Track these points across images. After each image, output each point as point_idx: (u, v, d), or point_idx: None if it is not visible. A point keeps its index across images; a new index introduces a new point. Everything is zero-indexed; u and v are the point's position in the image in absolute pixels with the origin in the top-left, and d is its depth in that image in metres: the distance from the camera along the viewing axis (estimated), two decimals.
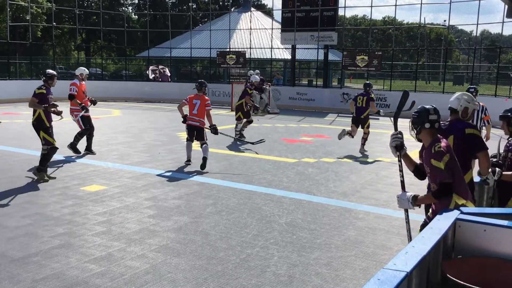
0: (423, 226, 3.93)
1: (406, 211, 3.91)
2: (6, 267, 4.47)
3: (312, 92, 23.24)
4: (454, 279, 2.25)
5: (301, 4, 22.83)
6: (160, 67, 31.70)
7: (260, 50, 29.75)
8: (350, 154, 10.87)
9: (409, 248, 2.19)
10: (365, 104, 11.00)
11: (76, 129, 9.92)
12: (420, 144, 3.90)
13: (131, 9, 56.80)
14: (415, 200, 3.68)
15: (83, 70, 10.21)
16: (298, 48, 25.26)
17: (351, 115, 11.38)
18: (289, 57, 28.19)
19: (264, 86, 19.29)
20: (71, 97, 9.61)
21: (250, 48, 25.47)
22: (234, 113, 19.66)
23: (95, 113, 10.84)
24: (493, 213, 2.95)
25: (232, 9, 39.43)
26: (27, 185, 7.48)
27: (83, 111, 9.61)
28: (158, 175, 8.34)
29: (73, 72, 15.21)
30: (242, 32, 31.78)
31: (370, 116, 11.17)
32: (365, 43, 56.15)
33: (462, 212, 2.74)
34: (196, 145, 9.41)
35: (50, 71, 8.28)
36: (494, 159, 4.54)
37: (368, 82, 11.66)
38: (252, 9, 35.16)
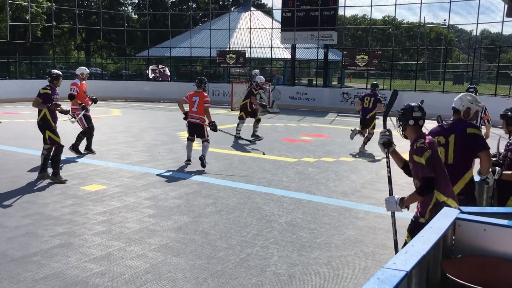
0: (410, 226, 3.92)
1: (393, 214, 3.92)
2: (6, 266, 4.47)
3: (312, 92, 23.23)
4: (454, 278, 2.25)
5: (301, 4, 22.82)
6: (160, 66, 31.69)
7: (260, 49, 29.76)
8: (350, 153, 10.87)
9: (409, 248, 2.19)
10: (372, 105, 11.00)
11: (78, 128, 9.91)
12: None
13: (131, 8, 56.81)
14: (402, 202, 3.72)
15: (83, 70, 10.21)
16: (298, 48, 25.24)
17: (357, 115, 11.42)
18: (289, 56, 28.18)
19: (264, 86, 19.25)
20: (71, 97, 9.61)
21: (250, 47, 25.47)
22: (234, 112, 19.75)
23: (95, 112, 10.86)
24: (493, 212, 2.95)
25: (232, 9, 39.40)
26: (27, 184, 7.48)
27: (83, 111, 9.61)
28: (158, 174, 8.34)
29: (73, 71, 15.22)
30: (242, 31, 31.77)
31: (376, 116, 11.22)
32: (365, 42, 56.13)
33: (462, 212, 2.74)
34: (196, 144, 9.42)
35: (56, 71, 8.24)
36: (494, 158, 4.54)
37: (375, 82, 11.75)
38: (252, 8, 35.15)
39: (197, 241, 5.25)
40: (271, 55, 25.93)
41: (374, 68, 22.03)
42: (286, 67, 36.80)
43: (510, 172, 4.26)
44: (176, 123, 15.61)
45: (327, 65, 25.34)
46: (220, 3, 53.76)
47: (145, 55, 33.26)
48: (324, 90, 23.25)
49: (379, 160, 10.16)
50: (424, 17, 78.33)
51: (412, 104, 3.79)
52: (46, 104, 7.73)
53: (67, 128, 10.06)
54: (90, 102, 9.92)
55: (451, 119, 4.48)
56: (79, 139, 9.68)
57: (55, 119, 7.89)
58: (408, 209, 3.84)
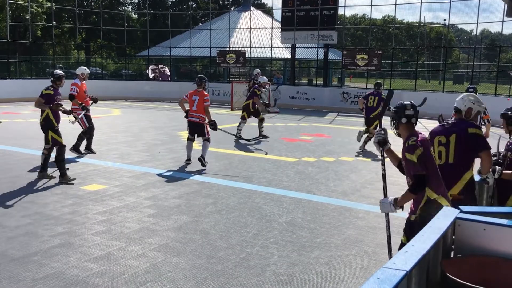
0: (405, 226, 3.92)
1: (387, 216, 3.93)
2: (6, 266, 4.47)
3: (312, 91, 23.23)
4: (453, 278, 2.25)
5: (301, 3, 22.82)
6: (160, 66, 31.68)
7: (260, 49, 29.77)
8: (356, 152, 10.87)
9: (408, 247, 2.19)
10: (376, 104, 10.98)
11: (78, 128, 9.90)
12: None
13: (131, 8, 56.79)
14: (396, 202, 3.75)
15: (84, 70, 10.20)
16: (298, 47, 25.24)
17: (357, 115, 11.48)
18: (289, 56, 28.18)
19: (266, 86, 19.25)
20: (71, 98, 9.60)
21: (250, 47, 25.46)
22: (234, 112, 19.74)
23: (95, 112, 10.87)
24: (493, 212, 2.95)
25: (232, 8, 39.40)
26: (27, 184, 7.48)
27: (84, 111, 9.59)
28: (158, 174, 8.34)
29: (73, 71, 15.22)
30: (242, 31, 31.76)
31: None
32: (365, 42, 56.11)
33: (461, 211, 2.73)
34: (196, 144, 9.42)
35: (58, 71, 8.23)
36: (494, 158, 4.54)
37: (379, 81, 11.84)
38: (252, 8, 35.17)
39: (197, 240, 5.25)
40: (271, 55, 25.93)
41: (374, 67, 22.02)
42: (286, 67, 36.80)
43: (510, 171, 4.25)
44: (176, 122, 15.61)
45: (327, 65, 25.34)
46: (220, 2, 53.77)
47: (145, 55, 33.27)
48: (324, 90, 23.25)
49: (379, 160, 10.15)
50: (424, 17, 78.40)
51: (405, 102, 3.83)
52: (49, 105, 7.71)
53: (68, 128, 10.05)
54: (90, 102, 9.91)
55: (451, 118, 4.48)
56: (80, 139, 9.68)
57: (58, 119, 7.88)
58: (402, 209, 3.85)
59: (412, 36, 60.93)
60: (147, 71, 30.65)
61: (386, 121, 3.93)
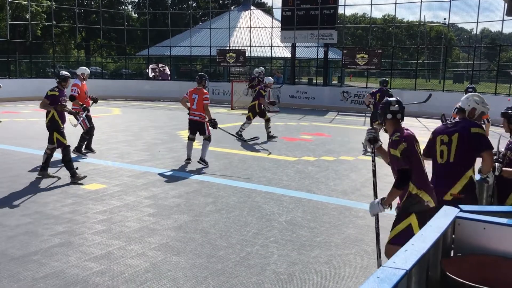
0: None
1: (377, 217, 3.93)
2: (6, 265, 4.47)
3: (312, 91, 23.22)
4: (453, 277, 2.24)
5: (301, 2, 22.80)
6: (160, 65, 31.67)
7: (260, 48, 29.77)
8: (350, 152, 10.87)
9: (408, 246, 2.19)
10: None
11: (79, 128, 9.88)
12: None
13: (131, 7, 56.79)
14: (384, 201, 3.80)
15: (84, 70, 10.17)
16: (298, 47, 25.22)
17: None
18: (289, 55, 28.16)
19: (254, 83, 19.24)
20: (72, 98, 9.57)
21: (250, 46, 25.44)
22: (234, 111, 19.74)
23: (95, 112, 10.86)
24: (493, 211, 2.95)
25: (232, 8, 39.38)
26: (27, 184, 7.48)
27: (85, 112, 9.55)
28: (158, 173, 8.34)
29: (73, 71, 15.19)
30: (242, 30, 31.75)
31: None
32: (365, 41, 56.10)
33: (461, 210, 2.73)
34: (196, 144, 9.41)
35: (64, 72, 8.20)
36: (494, 157, 4.53)
37: (385, 79, 12.05)
38: (252, 7, 35.15)
39: (197, 240, 5.25)
40: (271, 54, 25.92)
41: (374, 67, 22.01)
42: (286, 66, 36.80)
43: (510, 169, 4.26)
44: (176, 122, 15.61)
45: (327, 64, 25.33)
46: (220, 2, 53.73)
47: (145, 54, 33.27)
48: (324, 89, 23.24)
49: (379, 159, 10.14)
50: (424, 16, 78.38)
51: (390, 99, 3.96)
52: (54, 106, 7.69)
53: (69, 129, 10.05)
54: (91, 102, 9.89)
55: (451, 118, 4.48)
56: (82, 140, 9.66)
57: (63, 120, 7.87)
58: (391, 208, 3.87)
59: (412, 35, 60.89)
60: (147, 71, 30.65)
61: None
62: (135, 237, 5.30)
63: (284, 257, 4.83)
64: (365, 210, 6.50)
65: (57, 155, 8.26)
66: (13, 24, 31.54)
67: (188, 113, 9.19)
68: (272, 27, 25.93)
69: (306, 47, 27.72)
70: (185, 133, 9.33)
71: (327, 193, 7.36)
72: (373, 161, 4.05)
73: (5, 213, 6.03)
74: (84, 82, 9.99)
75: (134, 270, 4.43)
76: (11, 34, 26.26)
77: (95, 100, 9.90)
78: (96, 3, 44.19)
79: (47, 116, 7.82)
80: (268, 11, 39.90)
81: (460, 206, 2.82)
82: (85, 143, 9.90)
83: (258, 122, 15.64)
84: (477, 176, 4.33)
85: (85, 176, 7.61)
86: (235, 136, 11.76)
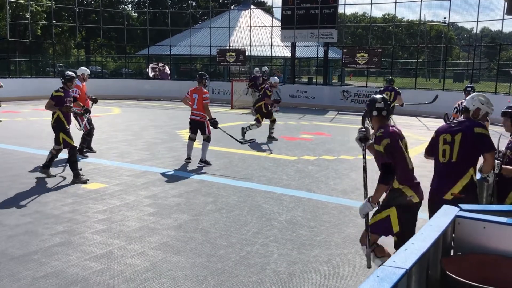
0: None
1: (367, 217, 3.94)
2: (6, 265, 4.47)
3: (312, 90, 23.22)
4: (453, 276, 2.25)
5: (301, 2, 22.79)
6: (160, 65, 31.68)
7: (260, 47, 29.72)
8: (350, 151, 10.87)
9: (408, 245, 2.19)
10: (392, 99, 11.67)
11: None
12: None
13: (131, 7, 56.78)
14: (372, 198, 3.85)
15: (84, 71, 10.13)
16: (298, 46, 25.21)
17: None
18: (289, 54, 28.16)
19: (259, 82, 19.24)
20: (73, 100, 9.52)
21: (250, 45, 25.44)
22: (234, 111, 19.74)
23: (95, 111, 10.86)
24: (493, 210, 2.95)
25: (232, 7, 39.37)
26: (27, 183, 7.48)
27: (87, 114, 9.47)
28: (158, 173, 8.34)
29: (73, 70, 15.20)
30: (242, 29, 31.74)
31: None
32: (365, 40, 56.09)
33: (461, 209, 2.73)
34: (197, 143, 9.41)
35: (69, 73, 8.16)
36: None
37: (391, 77, 12.57)
38: (252, 6, 35.07)
39: (197, 239, 5.26)
40: (271, 53, 25.91)
41: (374, 66, 22.00)
42: (286, 65, 36.79)
43: (510, 167, 4.25)
44: (176, 121, 15.62)
45: (327, 63, 25.32)
46: (220, 1, 53.73)
47: (145, 54, 33.25)
48: (324, 88, 23.24)
49: None
50: (424, 15, 78.39)
51: (376, 96, 4.07)
52: (59, 107, 7.67)
53: (72, 130, 10.05)
54: (90, 103, 9.84)
55: (452, 117, 4.48)
56: (83, 141, 9.64)
57: (68, 120, 7.84)
58: (379, 205, 3.88)
59: (412, 34, 60.87)
60: (147, 70, 30.64)
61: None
62: (135, 236, 5.30)
63: (284, 256, 4.83)
64: None
65: (62, 154, 8.26)
66: (13, 23, 31.54)
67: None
68: (272, 26, 25.91)
69: (306, 46, 27.71)
70: (185, 133, 9.34)
71: (327, 192, 7.36)
72: (364, 157, 4.11)
73: (5, 212, 6.03)
74: (84, 83, 9.96)
75: (134, 270, 4.43)
76: (11, 34, 26.26)
77: (94, 101, 9.87)
78: (96, 3, 44.19)
79: (52, 117, 7.80)
80: (268, 10, 39.91)
81: (460, 205, 2.82)
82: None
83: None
84: (477, 175, 4.33)
85: (87, 180, 7.60)
86: (234, 138, 11.51)
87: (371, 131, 4.05)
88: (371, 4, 23.48)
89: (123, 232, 5.42)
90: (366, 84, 24.31)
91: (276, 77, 13.69)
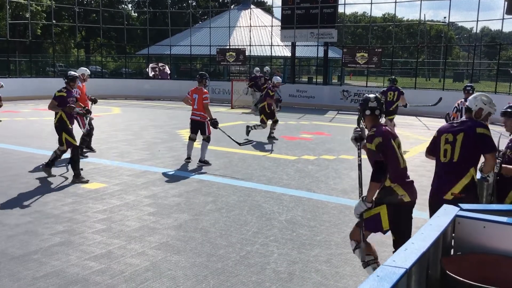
0: None
1: (361, 216, 3.94)
2: (7, 265, 4.47)
3: (312, 89, 23.21)
4: (453, 275, 2.24)
5: (301, 1, 22.78)
6: (160, 64, 31.68)
7: (260, 47, 29.72)
8: (350, 151, 10.87)
9: (408, 245, 2.19)
10: (395, 99, 11.71)
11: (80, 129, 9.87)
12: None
13: (131, 6, 56.75)
14: (365, 198, 3.86)
15: (84, 71, 10.11)
16: (298, 45, 25.21)
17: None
18: (289, 54, 28.14)
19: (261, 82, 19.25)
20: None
21: (250, 45, 25.44)
22: (234, 110, 19.74)
23: (95, 111, 10.83)
24: (493, 209, 2.94)
25: (232, 7, 39.36)
26: (27, 183, 7.48)
27: (89, 115, 9.43)
28: (158, 172, 8.35)
29: (73, 70, 15.18)
30: (242, 29, 31.73)
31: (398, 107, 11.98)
32: (365, 40, 56.07)
33: (461, 209, 2.73)
34: (197, 143, 9.41)
35: (72, 72, 8.14)
36: None
37: (394, 77, 12.53)
38: (252, 6, 35.07)
39: (197, 239, 5.26)
40: (271, 53, 25.91)
41: (374, 65, 22.00)
42: (286, 65, 36.78)
43: (509, 166, 4.25)
44: (176, 121, 15.62)
45: (327, 63, 25.32)
46: (220, 1, 53.70)
47: (145, 53, 33.25)
48: (324, 88, 23.24)
49: None
50: (424, 15, 78.40)
51: (369, 95, 4.09)
52: (62, 107, 7.65)
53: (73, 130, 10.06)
54: (90, 103, 9.83)
55: (451, 116, 4.48)
56: (83, 141, 9.63)
57: (71, 120, 7.83)
58: (373, 204, 3.88)
59: (412, 34, 60.87)
60: (147, 70, 30.64)
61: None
62: (135, 236, 5.30)
63: (284, 256, 4.83)
64: None
65: (65, 154, 8.25)
66: (13, 23, 31.53)
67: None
68: (272, 26, 25.90)
69: (306, 46, 27.71)
70: (185, 132, 9.34)
71: (327, 192, 7.36)
72: (359, 156, 4.13)
73: (5, 212, 6.03)
74: (84, 83, 9.95)
75: (134, 269, 4.43)
76: (11, 33, 26.25)
77: (94, 101, 9.85)
78: (96, 2, 44.18)
79: (55, 117, 7.79)
80: (268, 10, 39.88)
81: (460, 204, 2.82)
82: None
83: (257, 121, 15.63)
84: (477, 175, 4.32)
85: (87, 180, 7.59)
86: (233, 139, 11.38)
87: (366, 132, 4.06)
88: (371, 3, 23.47)
89: (123, 231, 5.43)
90: (366, 83, 24.32)
91: (278, 77, 13.69)
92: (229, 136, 9.41)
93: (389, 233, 4.04)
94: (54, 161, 7.86)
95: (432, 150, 4.36)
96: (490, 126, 4.38)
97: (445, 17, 75.13)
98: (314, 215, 6.17)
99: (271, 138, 12.21)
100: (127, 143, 11.15)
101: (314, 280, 4.30)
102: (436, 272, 2.42)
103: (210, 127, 9.06)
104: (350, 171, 8.87)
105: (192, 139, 9.22)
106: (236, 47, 26.83)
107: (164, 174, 8.28)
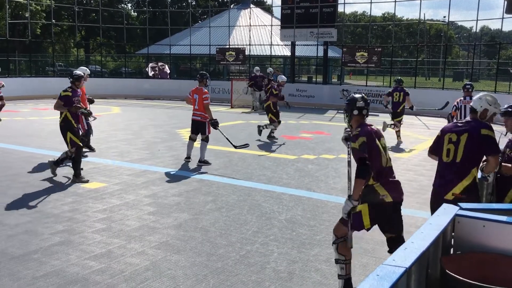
0: None
1: (350, 216, 3.93)
2: (7, 264, 4.47)
3: (312, 89, 23.21)
4: (453, 274, 2.25)
5: (300, 1, 22.77)
6: (160, 64, 31.64)
7: (260, 46, 29.71)
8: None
9: (408, 244, 2.19)
10: (402, 100, 11.81)
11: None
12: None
13: (130, 6, 56.74)
14: (351, 196, 3.84)
15: (84, 70, 10.09)
16: (297, 45, 25.21)
17: (389, 110, 12.26)
18: (288, 53, 28.14)
19: (264, 83, 19.25)
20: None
21: (250, 44, 25.42)
22: (233, 110, 19.73)
23: (95, 110, 10.82)
24: (492, 208, 2.95)
25: (232, 6, 39.36)
26: (27, 182, 7.48)
27: (91, 115, 9.39)
28: (157, 172, 8.34)
29: (73, 69, 15.15)
30: (242, 29, 31.72)
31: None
32: (365, 39, 56.04)
33: (461, 208, 2.74)
34: (197, 143, 9.40)
35: (78, 72, 8.12)
36: None
37: (400, 77, 12.59)
38: (252, 5, 35.06)
39: (197, 238, 5.26)
40: (271, 52, 25.90)
41: (374, 65, 22.00)
42: (286, 64, 36.76)
43: (509, 164, 4.24)
44: (175, 120, 15.61)
45: (326, 62, 25.31)
46: (220, 0, 53.69)
47: (144, 53, 33.21)
48: (323, 87, 23.23)
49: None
50: (424, 14, 78.39)
51: (356, 95, 4.14)
52: (68, 107, 7.63)
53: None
54: (88, 104, 9.81)
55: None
56: (82, 141, 9.62)
57: (76, 120, 7.80)
58: (359, 202, 3.88)
59: (411, 33, 60.87)
60: (147, 69, 30.63)
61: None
62: (135, 235, 5.30)
63: (284, 255, 4.83)
64: None
65: (56, 153, 8.24)
66: (13, 22, 31.50)
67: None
68: (271, 25, 25.90)
69: (305, 45, 27.71)
70: (185, 132, 9.34)
71: (326, 191, 7.36)
72: (349, 154, 4.13)
73: (5, 212, 6.03)
74: (84, 83, 9.91)
75: (134, 269, 4.44)
76: (11, 33, 26.22)
77: (91, 101, 9.86)
78: (96, 2, 44.13)
79: (60, 116, 7.77)
80: (268, 9, 39.87)
81: (459, 204, 2.82)
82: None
83: (257, 120, 15.65)
84: (478, 174, 4.32)
85: (87, 180, 7.59)
86: (230, 142, 11.14)
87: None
88: (371, 3, 23.45)
89: (123, 231, 5.43)
90: (366, 83, 24.32)
91: (283, 76, 13.68)
92: (226, 138, 9.38)
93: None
94: (63, 160, 7.85)
95: (435, 150, 4.32)
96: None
97: (444, 16, 75.14)
98: (314, 215, 6.17)
99: (271, 138, 12.21)
100: (127, 143, 11.15)
101: (314, 280, 4.30)
102: (435, 271, 2.43)
103: (210, 127, 9.06)
104: None
105: (192, 139, 9.21)
106: (236, 46, 26.83)
107: (164, 173, 8.28)
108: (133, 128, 13.65)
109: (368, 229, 4.02)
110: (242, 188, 7.38)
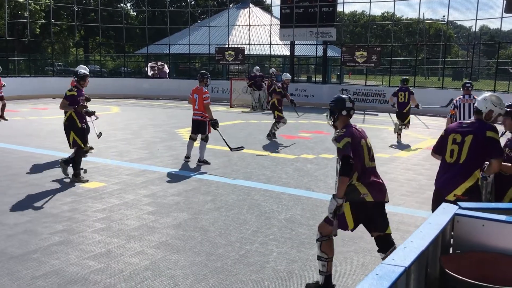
0: None
1: (335, 215, 3.92)
2: (6, 264, 4.47)
3: (311, 88, 23.21)
4: (452, 274, 2.25)
5: (300, 0, 22.78)
6: (159, 63, 31.64)
7: (259, 46, 29.72)
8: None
9: (407, 243, 2.19)
10: (407, 99, 11.89)
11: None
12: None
13: (130, 5, 56.69)
14: (336, 195, 3.86)
15: (84, 69, 10.09)
16: (297, 44, 25.20)
17: (395, 110, 12.34)
18: (288, 53, 28.14)
19: (263, 83, 19.27)
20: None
21: (249, 44, 25.41)
22: (233, 109, 19.73)
23: (94, 110, 10.80)
24: (492, 208, 2.95)
25: (231, 6, 39.34)
26: (26, 182, 7.47)
27: (93, 114, 9.36)
28: (157, 172, 8.34)
29: (72, 69, 15.15)
30: (241, 28, 31.72)
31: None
32: (364, 38, 56.04)
33: (460, 207, 2.74)
34: (196, 142, 9.40)
35: (82, 71, 8.08)
36: None
37: (406, 77, 12.59)
38: (251, 5, 35.03)
39: (197, 238, 5.26)
40: (270, 52, 25.90)
41: (373, 64, 22.01)
42: (285, 64, 36.77)
43: (508, 164, 4.24)
44: (175, 120, 15.61)
45: (326, 62, 25.31)
46: (219, 0, 53.68)
47: (143, 52, 33.21)
48: (323, 87, 23.23)
49: (377, 157, 10.15)
50: (423, 13, 78.21)
51: (343, 96, 4.22)
52: (73, 106, 7.61)
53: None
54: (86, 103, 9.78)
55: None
56: (85, 142, 9.59)
57: (81, 119, 7.77)
58: (344, 200, 3.88)
59: (411, 33, 60.90)
60: (146, 69, 30.62)
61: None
62: (135, 235, 5.30)
63: (283, 254, 4.83)
64: None
65: (56, 153, 8.24)
66: (12, 22, 31.47)
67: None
68: (271, 24, 25.90)
69: (305, 44, 27.71)
70: (184, 131, 9.33)
71: (326, 190, 7.36)
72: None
73: (4, 211, 6.02)
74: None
75: (133, 268, 4.43)
76: (10, 33, 26.19)
77: (87, 100, 9.82)
78: (95, 2, 44.11)
79: (65, 115, 7.75)
80: (267, 8, 39.88)
81: (459, 203, 2.82)
82: None
83: (256, 120, 15.66)
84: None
85: (87, 180, 7.58)
86: (226, 144, 11.02)
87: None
88: (370, 2, 23.45)
89: (123, 231, 5.42)
90: (365, 82, 24.31)
91: (288, 74, 13.67)
92: (223, 139, 9.36)
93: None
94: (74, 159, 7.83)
95: (439, 149, 4.30)
96: None
97: (444, 16, 75.17)
98: (313, 214, 6.17)
99: (270, 137, 12.20)
100: (126, 142, 11.15)
101: (314, 279, 4.30)
102: (435, 270, 2.43)
103: (211, 126, 9.05)
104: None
105: (192, 139, 9.21)
106: (235, 46, 26.82)
107: (163, 173, 8.28)
108: (132, 127, 13.65)
109: (352, 230, 4.02)
110: (242, 188, 7.38)
